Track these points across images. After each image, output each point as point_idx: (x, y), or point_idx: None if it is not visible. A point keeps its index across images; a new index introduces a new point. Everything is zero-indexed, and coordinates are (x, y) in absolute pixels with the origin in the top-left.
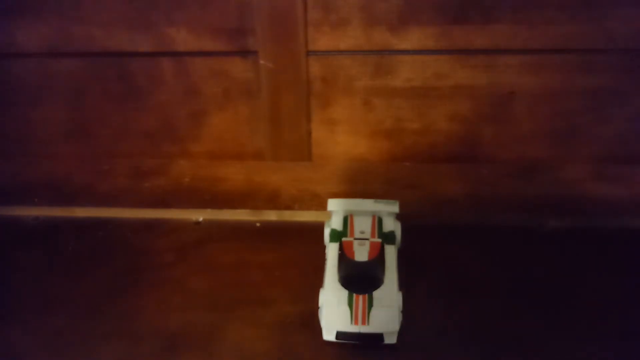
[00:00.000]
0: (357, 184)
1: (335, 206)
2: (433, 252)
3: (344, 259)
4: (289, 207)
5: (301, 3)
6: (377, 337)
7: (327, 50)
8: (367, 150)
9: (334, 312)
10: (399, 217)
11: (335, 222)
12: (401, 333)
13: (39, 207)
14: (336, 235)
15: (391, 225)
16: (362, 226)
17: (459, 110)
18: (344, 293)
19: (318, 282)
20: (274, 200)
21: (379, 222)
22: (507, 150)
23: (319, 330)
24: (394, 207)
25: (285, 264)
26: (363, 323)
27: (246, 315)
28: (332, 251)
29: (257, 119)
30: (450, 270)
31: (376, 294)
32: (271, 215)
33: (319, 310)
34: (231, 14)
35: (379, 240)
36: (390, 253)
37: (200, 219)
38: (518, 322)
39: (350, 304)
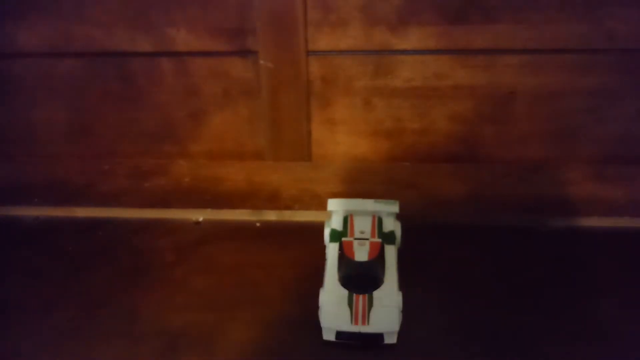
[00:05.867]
0: (357, 184)
1: (335, 206)
2: (433, 252)
3: (344, 259)
4: (289, 207)
5: (301, 3)
6: (377, 337)
7: (327, 50)
8: (367, 150)
9: (334, 312)
10: (399, 217)
11: (335, 222)
12: (401, 333)
13: (39, 207)
14: (336, 235)
15: (391, 225)
16: (362, 226)
17: (459, 110)
18: (344, 293)
19: (318, 282)
20: (274, 200)
21: (379, 222)
22: (507, 150)
23: (319, 330)
24: (394, 207)
25: (285, 264)
26: (363, 323)
27: (246, 315)
28: (332, 251)
29: (257, 119)
30: (450, 270)
31: (376, 294)
32: (271, 215)
33: (319, 310)
34: (231, 14)
35: (379, 240)
36: (390, 253)
37: (200, 219)
38: (518, 322)
39: (350, 304)
